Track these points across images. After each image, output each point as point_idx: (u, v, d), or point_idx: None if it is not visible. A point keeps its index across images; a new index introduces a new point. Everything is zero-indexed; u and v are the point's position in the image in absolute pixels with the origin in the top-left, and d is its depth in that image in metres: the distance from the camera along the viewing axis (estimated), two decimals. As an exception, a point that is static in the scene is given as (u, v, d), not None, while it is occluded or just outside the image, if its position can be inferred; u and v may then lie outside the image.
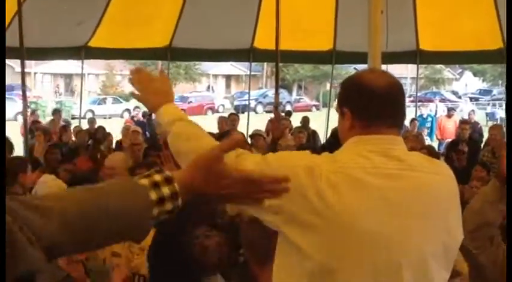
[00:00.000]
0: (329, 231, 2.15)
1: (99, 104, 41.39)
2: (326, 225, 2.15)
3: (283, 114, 16.37)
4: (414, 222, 2.16)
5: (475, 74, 60.60)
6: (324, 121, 16.10)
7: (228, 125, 12.28)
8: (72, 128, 14.60)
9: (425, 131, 16.92)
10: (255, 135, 10.74)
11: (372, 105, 2.29)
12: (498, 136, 9.66)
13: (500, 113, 30.78)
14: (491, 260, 3.08)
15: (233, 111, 30.12)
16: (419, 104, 21.51)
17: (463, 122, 14.23)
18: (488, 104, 43.32)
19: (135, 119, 19.83)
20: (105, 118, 31.31)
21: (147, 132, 13.87)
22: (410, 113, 17.36)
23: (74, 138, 12.80)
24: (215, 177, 1.77)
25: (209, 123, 13.00)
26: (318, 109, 44.58)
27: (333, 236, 2.15)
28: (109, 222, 1.51)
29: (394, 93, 2.31)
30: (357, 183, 2.15)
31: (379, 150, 2.23)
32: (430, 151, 8.70)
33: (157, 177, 1.64)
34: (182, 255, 3.62)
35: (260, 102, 43.13)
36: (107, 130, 12.76)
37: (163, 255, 3.65)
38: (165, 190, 1.63)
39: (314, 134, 14.27)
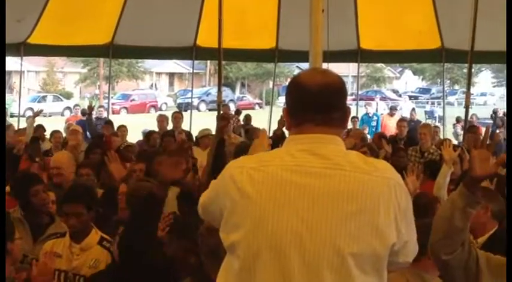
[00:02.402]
0: (246, 225, 2.22)
1: (39, 101, 40.61)
2: (243, 217, 2.23)
3: (232, 112, 16.42)
4: (334, 221, 2.15)
5: (414, 73, 61.56)
6: (267, 119, 16.13)
7: (168, 124, 12.20)
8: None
9: (367, 129, 17.07)
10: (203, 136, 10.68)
11: (302, 104, 2.34)
12: (428, 135, 9.76)
13: (439, 111, 31.34)
14: (461, 266, 3.07)
15: (176, 109, 30.01)
16: (363, 102, 21.76)
17: (401, 119, 14.44)
18: (427, 103, 44.12)
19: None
20: (45, 116, 30.75)
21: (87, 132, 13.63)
22: (353, 111, 17.58)
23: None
24: None
25: (152, 122, 12.89)
26: (261, 107, 44.65)
27: (248, 230, 2.22)
28: None
29: (326, 92, 2.31)
30: (276, 180, 2.20)
31: (307, 149, 2.27)
32: (372, 149, 8.80)
33: None
34: (149, 264, 3.59)
35: (203, 101, 42.98)
36: (50, 129, 12.51)
37: (129, 260, 3.62)
38: None
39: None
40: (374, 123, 19.25)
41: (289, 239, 2.16)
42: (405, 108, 26.38)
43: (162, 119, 12.43)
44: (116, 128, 12.09)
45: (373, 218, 2.18)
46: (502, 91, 58.89)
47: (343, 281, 2.15)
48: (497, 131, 16.89)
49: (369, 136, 14.47)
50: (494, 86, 59.75)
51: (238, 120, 15.15)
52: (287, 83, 2.54)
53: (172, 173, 3.35)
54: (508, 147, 6.58)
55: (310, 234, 2.15)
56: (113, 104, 33.83)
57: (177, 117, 12.33)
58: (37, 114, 11.58)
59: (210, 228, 3.10)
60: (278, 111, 10.68)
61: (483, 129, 9.79)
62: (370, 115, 19.71)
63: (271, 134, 9.96)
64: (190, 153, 7.91)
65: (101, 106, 20.10)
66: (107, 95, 25.78)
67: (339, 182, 2.20)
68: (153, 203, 3.41)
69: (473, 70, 15.64)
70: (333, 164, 2.23)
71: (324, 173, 2.21)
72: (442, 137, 13.97)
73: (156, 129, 12.02)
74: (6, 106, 34.18)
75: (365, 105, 20.20)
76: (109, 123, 12.98)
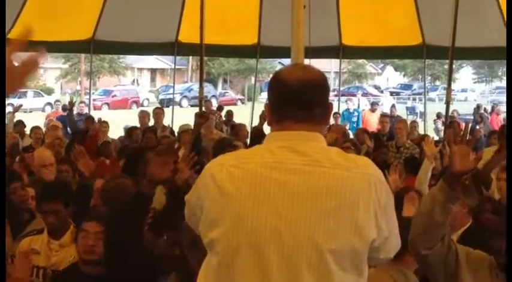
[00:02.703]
0: (225, 222, 2.22)
1: (19, 97, 40.29)
2: (223, 214, 2.23)
3: (214, 108, 16.40)
4: (313, 217, 2.15)
5: (396, 69, 61.84)
6: (249, 115, 16.13)
7: (150, 120, 12.16)
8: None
9: (348, 125, 17.12)
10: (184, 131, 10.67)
11: (283, 101, 2.34)
12: (403, 130, 9.82)
13: (420, 107, 31.44)
14: (441, 261, 3.09)
15: (158, 105, 29.93)
16: (344, 98, 21.81)
17: (383, 115, 14.48)
18: (409, 98, 44.34)
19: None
20: (25, 112, 30.54)
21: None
22: (335, 107, 17.61)
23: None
24: None
25: (134, 117, 12.84)
26: (243, 103, 44.66)
27: (228, 227, 2.22)
28: None
29: (307, 88, 2.30)
30: (256, 177, 2.21)
31: (287, 146, 2.27)
32: (355, 145, 8.81)
33: None
34: (134, 259, 3.58)
35: (185, 96, 42.86)
36: (31, 125, 12.42)
37: (116, 258, 3.60)
38: None
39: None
40: (355, 119, 19.30)
41: (268, 235, 2.16)
42: (386, 104, 26.51)
43: (143, 115, 12.37)
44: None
45: (352, 215, 2.18)
46: (483, 87, 59.45)
47: (321, 278, 2.15)
48: (477, 126, 16.99)
49: (350, 132, 14.52)
50: (475, 82, 60.24)
51: (220, 116, 15.13)
52: (269, 79, 2.52)
53: (161, 173, 3.36)
54: (508, 147, 6.63)
55: (289, 230, 2.15)
56: (94, 99, 33.64)
57: (159, 113, 12.30)
58: (16, 109, 11.50)
59: None
60: (260, 107, 10.66)
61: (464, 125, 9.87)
62: (351, 111, 19.75)
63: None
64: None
65: (82, 102, 19.97)
66: (88, 91, 25.65)
67: (318, 179, 2.19)
68: (141, 202, 3.40)
69: (454, 66, 15.72)
70: (313, 161, 2.23)
71: (304, 169, 2.21)
72: (423, 132, 14.04)
73: (138, 125, 11.97)
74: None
75: (346, 101, 20.22)
76: (90, 119, 12.90)
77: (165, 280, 3.84)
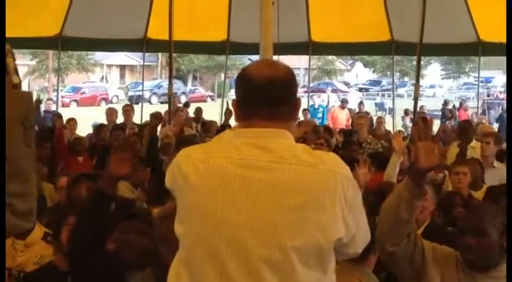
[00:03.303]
0: (189, 216, 2.25)
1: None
2: (188, 208, 2.25)
3: (180, 105, 16.34)
4: (278, 214, 2.15)
5: (365, 65, 62.14)
6: (218, 111, 16.10)
7: (118, 117, 12.09)
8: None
9: (316, 121, 17.19)
10: (147, 125, 10.64)
11: (249, 97, 2.34)
12: (364, 126, 9.88)
13: (389, 103, 31.66)
14: (407, 257, 3.10)
15: (127, 102, 29.72)
16: (312, 94, 21.88)
17: (358, 113, 14.55)
18: (378, 95, 44.61)
19: None
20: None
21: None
22: (305, 103, 17.66)
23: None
24: None
25: (103, 115, 12.73)
26: (213, 99, 44.56)
27: (191, 222, 2.24)
28: None
29: (273, 85, 2.30)
30: (221, 173, 2.21)
31: (253, 143, 2.26)
32: (327, 141, 8.82)
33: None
34: (101, 252, 3.54)
35: (155, 93, 42.59)
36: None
37: (82, 252, 3.56)
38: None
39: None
40: (320, 115, 19.39)
41: (231, 232, 2.16)
42: (353, 101, 26.64)
43: (111, 112, 12.27)
44: (65, 121, 11.92)
45: (317, 212, 2.17)
46: (451, 83, 60.03)
47: (284, 276, 2.15)
48: (447, 122, 17.17)
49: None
50: (443, 78, 60.73)
51: (187, 113, 15.09)
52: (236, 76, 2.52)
53: (119, 170, 3.33)
54: (508, 148, 6.72)
55: (252, 228, 2.15)
56: (62, 96, 33.36)
57: (128, 110, 12.22)
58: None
59: (161, 215, 3.13)
60: (230, 104, 10.66)
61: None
62: (316, 107, 19.81)
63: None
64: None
65: (49, 99, 19.78)
66: (56, 88, 25.39)
67: (284, 176, 2.19)
68: (100, 200, 3.37)
69: (422, 62, 15.86)
70: (278, 158, 2.22)
71: (269, 166, 2.21)
72: (391, 128, 14.14)
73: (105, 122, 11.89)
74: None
75: (311, 97, 20.28)
76: (58, 116, 12.78)
77: (141, 275, 3.81)
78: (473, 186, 6.73)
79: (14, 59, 1.50)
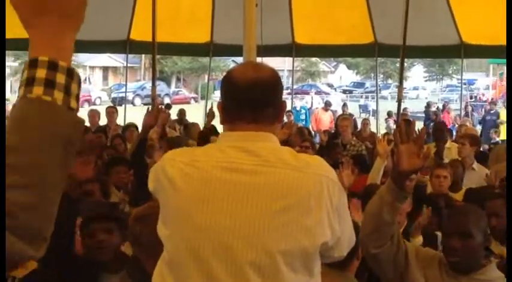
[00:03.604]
0: (173, 219, 2.24)
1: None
2: (172, 212, 2.25)
3: (162, 106, 16.21)
4: (262, 218, 2.14)
5: (349, 67, 62.35)
6: (202, 113, 16.08)
7: (100, 118, 12.03)
8: None
9: (300, 124, 17.20)
10: (129, 126, 10.62)
11: (234, 100, 2.33)
12: (349, 128, 9.87)
13: (372, 105, 31.80)
14: (390, 259, 3.10)
15: (111, 103, 29.62)
16: (295, 96, 21.93)
17: (342, 115, 14.55)
18: (361, 97, 44.75)
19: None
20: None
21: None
22: (289, 105, 17.66)
23: None
24: None
25: (85, 116, 12.66)
26: (196, 101, 44.53)
27: (174, 225, 2.24)
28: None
29: (257, 88, 2.28)
30: (205, 177, 2.19)
31: (239, 146, 2.25)
32: (313, 144, 8.79)
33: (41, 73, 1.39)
34: (70, 256, 3.50)
35: (138, 95, 42.51)
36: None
37: (51, 258, 3.52)
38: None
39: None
40: (303, 117, 19.39)
41: (217, 236, 2.15)
42: (335, 103, 26.70)
43: (93, 114, 12.20)
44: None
45: (303, 215, 2.16)
46: (434, 85, 60.36)
47: (270, 279, 2.13)
48: (431, 125, 17.21)
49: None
50: (426, 80, 61.08)
51: (169, 115, 15.00)
52: (222, 78, 2.50)
53: (82, 172, 3.30)
54: (508, 147, 6.73)
55: (238, 231, 2.13)
56: (45, 98, 33.08)
57: (111, 112, 12.15)
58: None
59: (136, 216, 3.11)
60: (214, 106, 10.64)
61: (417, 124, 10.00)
62: (298, 109, 19.82)
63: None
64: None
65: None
66: (38, 90, 25.16)
67: (269, 179, 2.18)
68: (67, 204, 3.35)
69: (405, 64, 15.89)
70: (264, 161, 2.21)
71: (254, 170, 2.19)
72: (375, 130, 14.18)
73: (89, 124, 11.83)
74: None
75: (292, 99, 20.32)
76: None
77: (115, 278, 3.76)
78: (453, 188, 6.74)
79: (79, 86, 1.46)
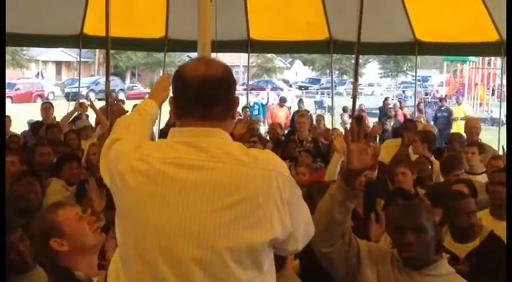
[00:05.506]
0: (122, 215, 2.26)
1: None
2: (123, 208, 2.25)
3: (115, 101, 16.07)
4: (210, 214, 2.13)
5: (304, 63, 62.71)
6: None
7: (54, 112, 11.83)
8: None
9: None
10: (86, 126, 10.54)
11: (184, 97, 2.32)
12: (306, 124, 9.90)
13: (328, 101, 31.96)
14: (342, 257, 3.10)
15: (64, 98, 29.23)
16: (250, 92, 21.92)
17: (298, 112, 14.59)
18: (317, 93, 45.04)
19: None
20: None
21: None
22: (244, 101, 17.67)
23: None
24: None
25: (38, 111, 12.43)
26: (151, 97, 44.27)
27: (122, 221, 2.26)
28: None
29: (207, 85, 2.27)
30: (154, 172, 2.19)
31: (188, 142, 2.24)
32: (261, 139, 8.84)
33: None
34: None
35: (92, 90, 42.07)
36: None
37: None
38: None
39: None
40: (256, 113, 19.42)
41: (163, 233, 2.14)
42: (290, 98, 26.82)
43: (47, 107, 11.93)
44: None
45: (251, 211, 2.15)
46: (389, 81, 61.10)
47: (217, 276, 2.13)
48: (388, 121, 17.35)
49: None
50: (381, 77, 61.82)
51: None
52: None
53: None
54: (508, 147, 6.80)
55: (184, 229, 2.13)
56: (-4, 93, 32.56)
57: (47, 107, 11.87)
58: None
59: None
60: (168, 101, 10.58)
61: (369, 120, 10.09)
62: (251, 104, 19.86)
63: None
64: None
65: (-18, 96, 19.29)
66: (-11, 84, 24.79)
67: (217, 175, 2.17)
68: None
69: (360, 61, 16.01)
70: (212, 157, 2.20)
71: (202, 165, 2.18)
72: (330, 126, 14.26)
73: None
74: None
75: (248, 95, 20.34)
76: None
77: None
78: (421, 184, 6.79)
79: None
